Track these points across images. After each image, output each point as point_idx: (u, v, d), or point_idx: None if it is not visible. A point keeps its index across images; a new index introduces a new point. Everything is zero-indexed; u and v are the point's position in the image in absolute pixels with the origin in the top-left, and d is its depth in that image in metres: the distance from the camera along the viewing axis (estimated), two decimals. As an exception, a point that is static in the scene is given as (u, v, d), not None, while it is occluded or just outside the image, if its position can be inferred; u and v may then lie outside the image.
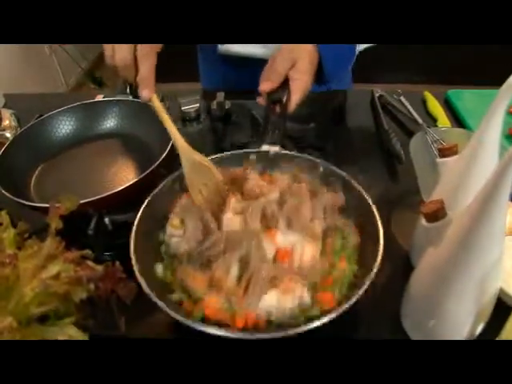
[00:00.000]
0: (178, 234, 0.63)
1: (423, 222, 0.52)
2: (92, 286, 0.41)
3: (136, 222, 0.61)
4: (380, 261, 0.55)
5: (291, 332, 0.50)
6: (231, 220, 0.64)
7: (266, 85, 0.80)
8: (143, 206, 0.64)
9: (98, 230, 0.71)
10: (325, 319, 0.50)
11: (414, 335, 0.58)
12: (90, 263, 0.43)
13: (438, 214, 0.50)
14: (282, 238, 0.61)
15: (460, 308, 0.51)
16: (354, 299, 0.52)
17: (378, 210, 0.62)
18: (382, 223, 0.60)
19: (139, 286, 0.50)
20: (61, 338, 0.39)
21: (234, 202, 0.66)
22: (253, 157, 0.73)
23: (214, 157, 0.72)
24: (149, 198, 0.65)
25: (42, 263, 0.41)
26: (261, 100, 0.82)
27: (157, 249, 0.64)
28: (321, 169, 0.71)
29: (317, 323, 0.50)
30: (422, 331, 0.57)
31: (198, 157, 0.66)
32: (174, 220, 0.66)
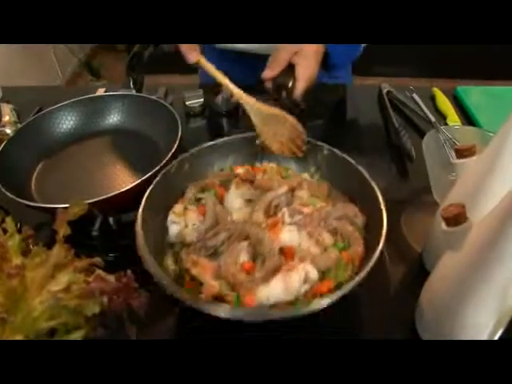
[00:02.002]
0: (178, 222, 0.63)
1: (443, 225, 0.50)
2: (105, 300, 0.39)
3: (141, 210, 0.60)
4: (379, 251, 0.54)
5: (304, 310, 0.50)
6: (239, 210, 0.65)
7: (266, 73, 0.80)
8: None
9: (103, 231, 0.69)
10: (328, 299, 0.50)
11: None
12: (101, 273, 0.41)
13: (458, 218, 0.49)
14: (287, 236, 0.60)
15: (480, 315, 0.50)
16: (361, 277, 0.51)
17: (388, 210, 0.60)
18: (392, 224, 0.59)
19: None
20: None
21: (245, 189, 0.66)
22: (258, 141, 0.74)
23: (218, 141, 0.73)
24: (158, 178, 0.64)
25: (51, 273, 0.38)
26: (267, 84, 0.82)
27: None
28: (325, 152, 0.71)
29: (325, 301, 0.50)
30: (437, 337, 0.56)
31: (266, 109, 0.68)
32: (177, 208, 0.65)
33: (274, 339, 0.53)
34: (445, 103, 0.97)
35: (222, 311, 0.50)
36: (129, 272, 0.42)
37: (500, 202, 0.44)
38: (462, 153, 0.60)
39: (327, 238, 0.60)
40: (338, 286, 0.55)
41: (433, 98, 1.01)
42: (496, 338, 0.53)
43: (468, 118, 0.95)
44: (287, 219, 0.62)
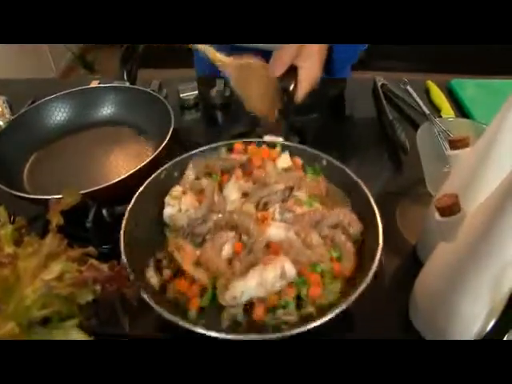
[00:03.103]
0: (173, 205, 0.63)
1: (436, 216, 0.50)
2: (98, 288, 0.38)
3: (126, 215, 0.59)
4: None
5: (287, 333, 0.49)
6: (233, 202, 0.64)
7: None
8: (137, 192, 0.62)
9: (96, 222, 0.69)
10: (321, 320, 0.49)
11: (424, 331, 0.57)
12: (94, 262, 0.41)
13: (452, 209, 0.49)
14: (275, 232, 0.59)
15: (474, 305, 0.50)
16: (352, 297, 0.51)
17: (383, 202, 0.60)
18: (386, 216, 0.58)
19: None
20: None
21: (243, 181, 0.65)
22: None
23: (212, 145, 0.71)
24: (144, 185, 0.63)
25: (43, 262, 0.38)
26: None
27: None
28: (324, 162, 0.69)
29: (314, 323, 0.49)
30: (431, 328, 0.56)
31: (240, 59, 0.66)
32: (175, 191, 0.65)
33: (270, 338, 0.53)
34: (439, 96, 0.97)
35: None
36: (122, 261, 0.42)
37: (493, 193, 0.44)
38: (456, 144, 0.60)
39: (315, 239, 0.59)
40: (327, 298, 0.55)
41: (427, 91, 1.01)
42: (489, 327, 0.53)
43: (462, 111, 0.95)
44: (277, 216, 0.62)
